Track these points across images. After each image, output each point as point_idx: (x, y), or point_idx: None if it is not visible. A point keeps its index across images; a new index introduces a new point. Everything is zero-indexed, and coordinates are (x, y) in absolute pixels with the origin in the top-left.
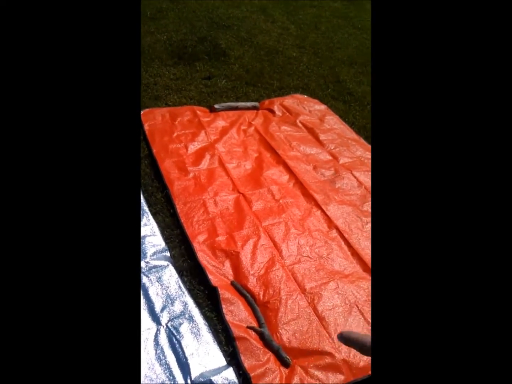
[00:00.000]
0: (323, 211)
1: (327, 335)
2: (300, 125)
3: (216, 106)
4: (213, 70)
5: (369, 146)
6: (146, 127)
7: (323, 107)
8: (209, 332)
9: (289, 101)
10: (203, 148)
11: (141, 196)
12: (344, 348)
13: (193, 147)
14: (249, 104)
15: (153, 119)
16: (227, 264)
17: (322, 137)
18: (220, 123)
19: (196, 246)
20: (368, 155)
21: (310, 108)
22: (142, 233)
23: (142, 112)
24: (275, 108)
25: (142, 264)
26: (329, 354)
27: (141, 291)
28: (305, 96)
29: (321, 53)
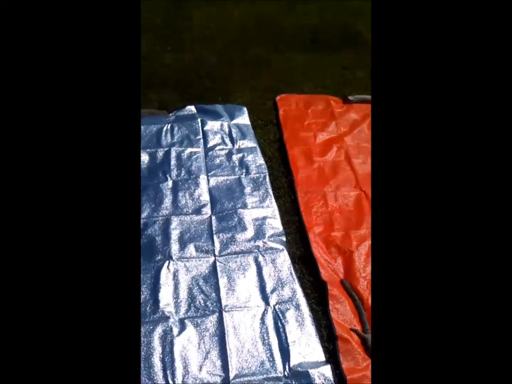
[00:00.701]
0: None
1: None
2: None
3: (350, 97)
4: (352, 60)
5: None
6: (280, 112)
7: None
8: (313, 325)
9: None
10: (332, 139)
11: (267, 178)
12: None
13: (321, 137)
14: None
15: (288, 105)
16: (339, 261)
17: None
18: (352, 115)
19: (311, 236)
20: None
21: None
22: (263, 214)
23: (278, 98)
24: None
25: (260, 243)
26: None
27: (255, 269)
28: None
29: None
